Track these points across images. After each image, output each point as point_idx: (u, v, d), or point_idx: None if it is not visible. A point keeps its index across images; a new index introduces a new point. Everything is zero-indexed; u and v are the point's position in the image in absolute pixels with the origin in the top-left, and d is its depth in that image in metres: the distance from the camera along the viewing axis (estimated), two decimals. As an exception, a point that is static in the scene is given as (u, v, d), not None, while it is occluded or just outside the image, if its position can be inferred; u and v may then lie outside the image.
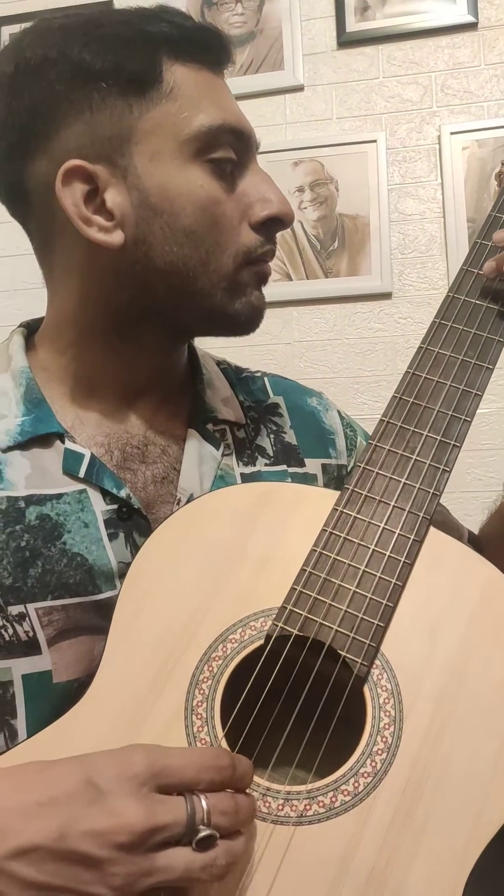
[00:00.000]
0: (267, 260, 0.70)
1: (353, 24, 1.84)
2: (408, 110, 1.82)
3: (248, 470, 0.75)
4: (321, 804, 0.51)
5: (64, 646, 0.64)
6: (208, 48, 0.66)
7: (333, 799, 0.51)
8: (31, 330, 0.76)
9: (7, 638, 0.63)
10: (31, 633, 0.63)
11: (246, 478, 0.74)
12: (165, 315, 0.68)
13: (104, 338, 0.70)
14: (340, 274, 1.82)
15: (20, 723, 0.63)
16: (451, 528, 0.85)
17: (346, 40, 1.85)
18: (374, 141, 1.81)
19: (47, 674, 0.63)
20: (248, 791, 0.49)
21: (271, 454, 0.77)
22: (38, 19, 0.65)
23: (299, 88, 1.87)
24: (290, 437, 0.80)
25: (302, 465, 0.79)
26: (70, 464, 0.67)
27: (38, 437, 0.67)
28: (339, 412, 0.86)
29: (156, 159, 0.63)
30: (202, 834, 0.44)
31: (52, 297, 0.72)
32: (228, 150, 0.66)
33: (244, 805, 0.47)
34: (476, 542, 0.86)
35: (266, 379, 0.85)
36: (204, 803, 0.45)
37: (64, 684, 0.63)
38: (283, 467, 0.77)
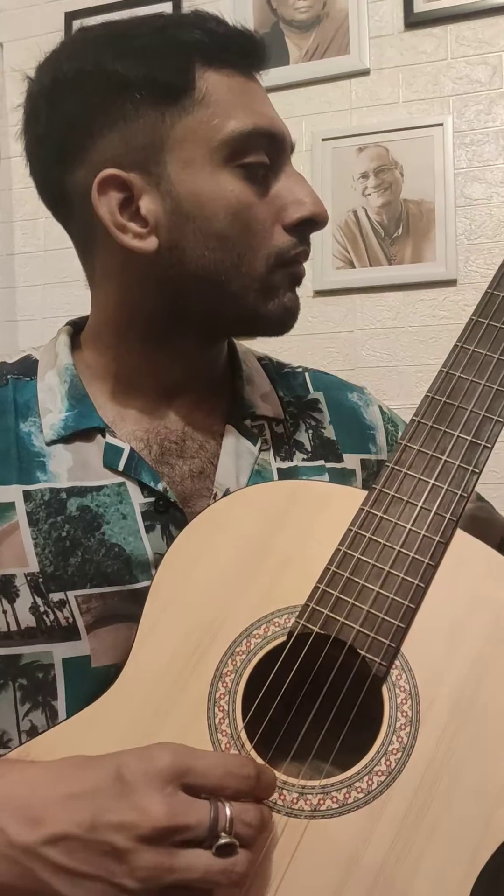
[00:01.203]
0: (301, 261, 0.70)
1: (421, 4, 1.80)
2: (476, 91, 1.77)
3: (286, 465, 0.76)
4: (335, 800, 0.52)
5: (102, 632, 0.66)
6: (241, 53, 0.67)
7: (347, 795, 0.52)
8: (77, 328, 0.78)
9: (48, 623, 0.66)
10: (70, 620, 0.66)
11: (283, 473, 0.75)
12: (200, 317, 0.70)
13: (142, 339, 0.72)
14: (404, 261, 1.80)
15: (60, 704, 0.66)
16: (494, 525, 0.85)
17: (414, 21, 1.81)
18: (441, 124, 1.77)
19: (86, 658, 0.66)
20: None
21: (309, 449, 0.78)
22: (76, 31, 0.67)
23: (365, 72, 1.85)
24: (329, 432, 0.80)
25: (340, 460, 0.79)
26: (110, 458, 0.69)
27: (80, 431, 0.70)
28: (380, 407, 0.86)
29: (188, 166, 0.65)
30: (222, 841, 0.46)
31: (94, 299, 0.74)
32: (261, 154, 0.66)
33: (267, 817, 0.49)
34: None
35: (307, 374, 0.85)
36: (228, 811, 0.47)
37: (102, 669, 0.66)
38: (321, 462, 0.78)
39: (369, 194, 1.83)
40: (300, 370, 0.86)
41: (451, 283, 1.77)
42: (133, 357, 0.73)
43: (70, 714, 0.64)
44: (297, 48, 1.90)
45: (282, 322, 0.71)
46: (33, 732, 0.66)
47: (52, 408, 0.71)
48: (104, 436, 0.70)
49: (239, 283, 0.67)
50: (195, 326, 0.71)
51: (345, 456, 0.80)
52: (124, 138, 0.65)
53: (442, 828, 0.51)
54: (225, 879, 0.46)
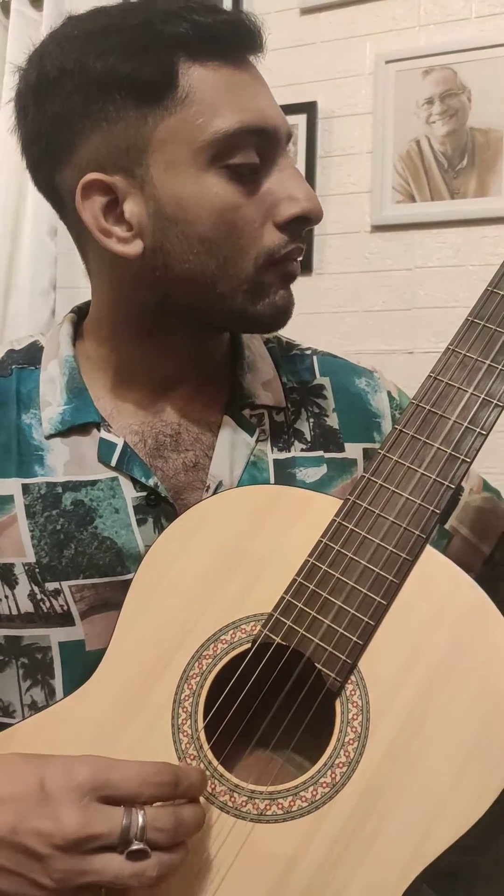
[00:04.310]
0: (293, 258, 0.69)
1: None
2: None
3: (283, 456, 0.77)
4: (280, 806, 0.56)
5: (95, 619, 0.71)
6: (230, 43, 0.64)
7: (292, 803, 0.56)
8: (82, 314, 0.80)
9: (45, 610, 0.70)
10: (65, 607, 0.70)
11: (279, 464, 0.76)
12: (190, 316, 0.70)
13: (136, 333, 0.73)
14: (468, 195, 1.71)
15: (57, 682, 0.71)
16: (499, 515, 0.84)
17: None
18: (515, 43, 1.64)
19: (81, 643, 0.71)
20: (210, 791, 0.55)
21: (309, 439, 0.78)
22: (63, 22, 0.66)
23: (436, -17, 1.72)
24: (333, 420, 0.80)
25: (341, 449, 0.79)
26: (104, 453, 0.72)
27: (77, 425, 0.73)
28: (389, 393, 0.85)
29: (171, 169, 0.64)
30: (132, 848, 0.50)
31: (92, 292, 0.75)
32: (249, 151, 0.64)
33: (187, 820, 0.53)
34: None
35: (315, 358, 0.84)
36: (140, 818, 0.51)
37: (96, 652, 0.70)
38: (320, 453, 0.78)
39: (433, 122, 1.73)
40: (308, 352, 0.85)
41: (517, 219, 1.68)
42: (129, 350, 0.74)
43: (66, 691, 0.70)
44: (362, -41, 1.78)
45: (273, 320, 0.70)
46: (34, 706, 0.71)
47: (52, 400, 0.74)
48: (99, 430, 0.73)
49: (226, 285, 0.67)
50: (186, 323, 0.71)
51: (347, 445, 0.80)
52: (107, 140, 0.64)
53: (378, 841, 0.54)
54: (136, 882, 0.50)
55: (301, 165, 1.82)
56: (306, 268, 1.84)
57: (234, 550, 0.64)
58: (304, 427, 0.79)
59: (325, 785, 0.56)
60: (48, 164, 0.68)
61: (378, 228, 1.79)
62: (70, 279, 2.11)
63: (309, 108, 1.82)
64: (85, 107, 0.64)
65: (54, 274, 2.11)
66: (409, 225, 1.77)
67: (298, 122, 1.82)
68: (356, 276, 1.81)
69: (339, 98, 1.82)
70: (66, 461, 0.72)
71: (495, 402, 0.63)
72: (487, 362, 0.65)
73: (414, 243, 1.77)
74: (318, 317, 1.83)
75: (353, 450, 0.80)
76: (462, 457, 0.62)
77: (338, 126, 1.82)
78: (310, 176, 1.82)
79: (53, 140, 0.66)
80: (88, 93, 0.63)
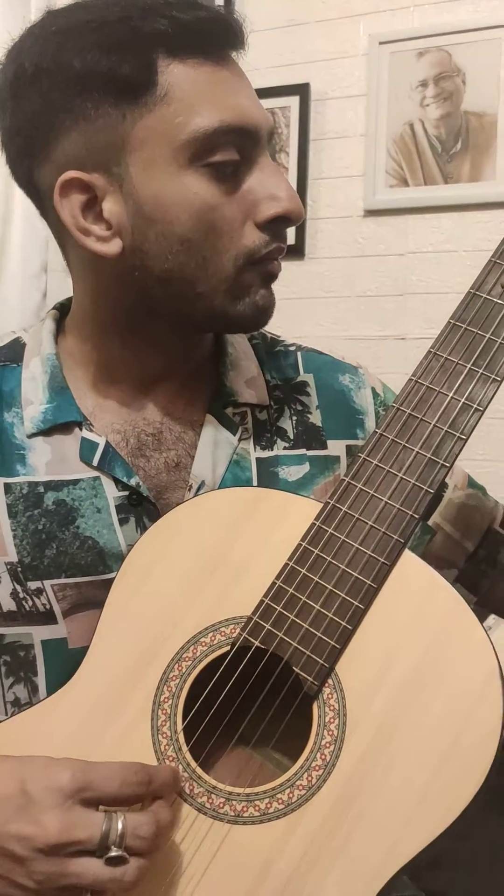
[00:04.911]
0: (274, 258, 0.68)
1: None
2: (552, -14, 1.60)
3: (266, 454, 0.77)
4: (257, 808, 0.56)
5: (78, 617, 0.71)
6: (209, 40, 0.63)
7: (268, 805, 0.56)
8: (64, 311, 0.79)
9: (27, 608, 0.71)
10: (47, 606, 0.71)
11: (262, 462, 0.76)
12: (170, 315, 0.70)
13: (118, 331, 0.72)
14: (461, 179, 1.70)
15: (40, 680, 0.72)
16: (483, 513, 0.84)
17: None
18: (509, 25, 1.62)
19: (63, 640, 0.71)
20: (188, 792, 0.55)
21: (291, 437, 0.78)
22: (41, 16, 0.65)
23: (431, -37, 1.69)
24: (315, 417, 0.80)
25: (324, 447, 0.79)
26: (85, 452, 0.72)
27: (59, 424, 0.73)
28: (373, 389, 0.84)
29: (149, 168, 0.63)
30: (111, 854, 0.51)
31: (74, 289, 0.75)
32: (230, 150, 0.64)
33: (165, 828, 0.53)
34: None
35: (299, 354, 0.84)
36: (120, 825, 0.51)
37: (78, 649, 0.71)
38: (303, 451, 0.78)
39: (428, 105, 1.71)
40: (293, 348, 0.85)
41: (509, 204, 1.67)
42: (111, 347, 0.74)
43: (49, 689, 0.70)
44: None
45: (254, 320, 0.70)
46: (16, 703, 0.72)
47: (34, 399, 0.74)
48: (81, 429, 0.72)
49: (206, 285, 0.67)
50: (168, 322, 0.71)
51: (329, 442, 0.80)
52: (85, 138, 0.64)
53: (352, 845, 0.54)
54: (114, 886, 0.51)
55: (293, 148, 1.81)
56: (298, 252, 1.82)
57: (214, 553, 0.65)
58: (287, 425, 0.79)
59: (301, 787, 0.56)
60: (27, 160, 0.67)
61: (371, 213, 1.78)
62: (61, 262, 2.10)
63: (301, 90, 1.80)
64: (63, 104, 0.63)
65: (45, 257, 2.09)
66: (402, 209, 1.76)
67: (291, 103, 1.80)
68: (348, 260, 1.80)
69: (332, 80, 1.80)
70: (47, 460, 0.72)
71: (475, 406, 0.63)
72: (468, 366, 0.64)
73: (407, 228, 1.76)
74: (309, 302, 1.82)
75: (336, 447, 0.80)
76: (441, 461, 0.62)
77: (331, 108, 1.80)
78: (302, 159, 1.80)
79: (31, 137, 0.66)
80: (66, 90, 0.62)
